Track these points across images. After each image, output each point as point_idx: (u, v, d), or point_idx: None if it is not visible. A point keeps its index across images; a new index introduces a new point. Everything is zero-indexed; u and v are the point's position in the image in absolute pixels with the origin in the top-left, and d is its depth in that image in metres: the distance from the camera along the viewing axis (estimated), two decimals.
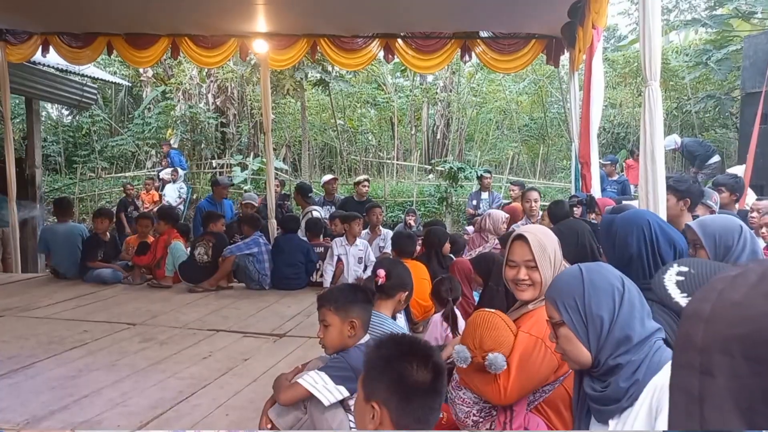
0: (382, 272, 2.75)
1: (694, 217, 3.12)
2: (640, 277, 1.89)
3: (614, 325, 1.35)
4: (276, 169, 11.92)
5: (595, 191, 5.78)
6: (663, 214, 3.01)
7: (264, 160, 10.19)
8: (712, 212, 3.62)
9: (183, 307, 5.10)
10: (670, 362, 1.22)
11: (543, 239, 2.01)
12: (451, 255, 4.94)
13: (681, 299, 1.51)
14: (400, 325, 2.79)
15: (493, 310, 2.09)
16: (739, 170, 7.03)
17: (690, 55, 12.38)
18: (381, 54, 7.56)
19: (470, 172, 11.16)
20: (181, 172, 11.63)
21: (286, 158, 16.74)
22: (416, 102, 17.33)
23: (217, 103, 15.51)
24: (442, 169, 11.96)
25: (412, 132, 17.81)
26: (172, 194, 11.10)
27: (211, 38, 7.37)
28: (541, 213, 5.49)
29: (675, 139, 9.66)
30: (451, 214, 11.46)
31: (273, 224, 7.09)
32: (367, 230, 6.29)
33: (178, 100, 15.20)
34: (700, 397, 0.51)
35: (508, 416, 1.88)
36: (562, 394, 1.88)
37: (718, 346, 0.51)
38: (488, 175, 8.79)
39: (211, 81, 15.44)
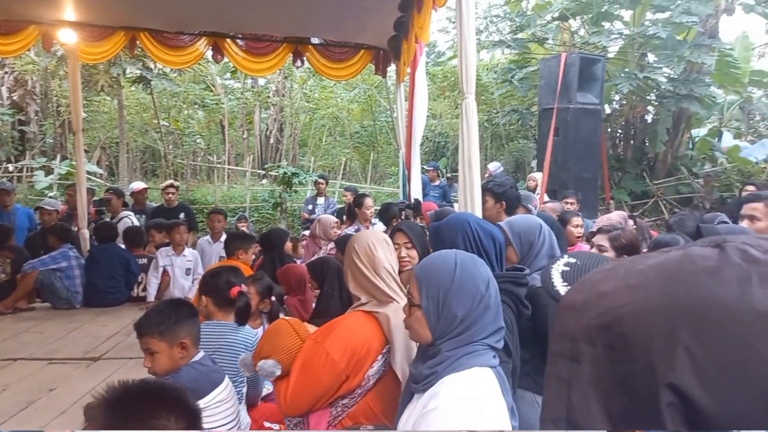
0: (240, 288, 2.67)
1: None
2: None
3: (462, 324, 1.41)
4: (88, 173, 10.74)
5: (417, 196, 6.15)
6: (479, 213, 3.30)
7: (73, 163, 9.12)
8: (531, 214, 4.06)
9: None
10: (467, 369, 1.33)
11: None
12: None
13: (561, 288, 1.59)
14: (249, 331, 2.69)
15: (289, 318, 2.09)
16: (538, 176, 8.03)
17: (498, 72, 13.80)
18: (209, 53, 7.24)
19: (304, 178, 11.18)
20: None
21: (101, 161, 15.17)
22: (248, 105, 16.87)
23: (14, 98, 13.50)
24: (276, 174, 11.82)
25: (244, 136, 17.31)
26: None
27: (6, 23, 6.40)
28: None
29: (499, 167, 10.92)
30: (285, 219, 11.36)
31: (85, 234, 6.36)
32: (208, 237, 6.01)
33: None
34: (568, 383, 0.54)
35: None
36: (366, 409, 1.84)
37: (583, 335, 0.54)
38: (323, 180, 8.89)
39: (6, 73, 13.40)
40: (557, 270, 1.65)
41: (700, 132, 12.42)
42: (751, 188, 6.33)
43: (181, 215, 6.67)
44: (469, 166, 3.41)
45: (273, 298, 3.29)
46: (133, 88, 14.52)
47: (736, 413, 0.45)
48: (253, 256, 6.04)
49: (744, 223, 2.86)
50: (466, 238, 2.05)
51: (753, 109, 15.82)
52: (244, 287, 2.73)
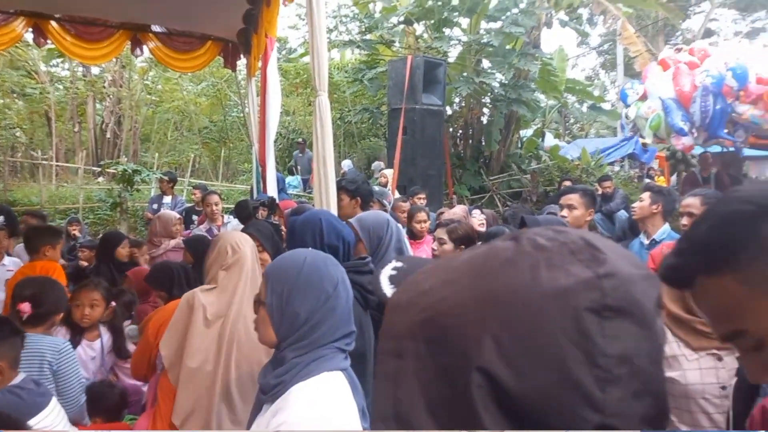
0: (26, 306, 2.39)
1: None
2: None
3: (306, 324, 1.37)
4: None
5: (273, 193, 6.09)
6: (335, 210, 3.38)
7: None
8: (385, 209, 4.25)
9: None
10: (315, 376, 1.32)
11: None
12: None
13: (389, 290, 1.70)
14: (58, 338, 2.51)
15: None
16: (388, 173, 8.39)
17: (349, 72, 14.09)
18: (30, 36, 6.44)
19: (148, 175, 10.43)
20: None
21: None
22: (79, 95, 15.26)
23: None
24: (115, 171, 10.87)
25: (76, 129, 15.64)
26: None
27: None
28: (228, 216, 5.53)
29: (349, 164, 11.16)
30: (126, 220, 10.49)
31: None
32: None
33: None
34: (395, 380, 0.56)
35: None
36: (164, 383, 2.00)
37: (407, 332, 0.56)
38: (167, 178, 8.37)
39: None
40: (385, 275, 1.78)
41: (527, 133, 13.84)
42: (567, 183, 7.25)
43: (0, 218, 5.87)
44: (324, 162, 3.47)
45: (113, 303, 3.07)
46: None
47: (536, 390, 0.50)
48: (85, 263, 5.49)
49: (564, 212, 3.29)
50: (314, 236, 2.15)
51: (568, 113, 18.05)
52: None
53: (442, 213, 5.35)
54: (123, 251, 4.35)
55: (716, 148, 9.26)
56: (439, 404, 0.52)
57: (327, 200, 3.40)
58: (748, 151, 9.66)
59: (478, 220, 4.68)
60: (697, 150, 9.52)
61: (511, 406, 0.50)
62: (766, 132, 8.04)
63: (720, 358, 1.89)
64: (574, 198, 3.28)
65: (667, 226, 3.64)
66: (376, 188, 5.53)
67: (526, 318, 0.51)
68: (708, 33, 24.77)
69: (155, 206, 7.97)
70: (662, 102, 8.14)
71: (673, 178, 11.99)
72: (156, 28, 6.83)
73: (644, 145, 10.34)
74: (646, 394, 0.51)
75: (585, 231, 0.57)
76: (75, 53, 6.74)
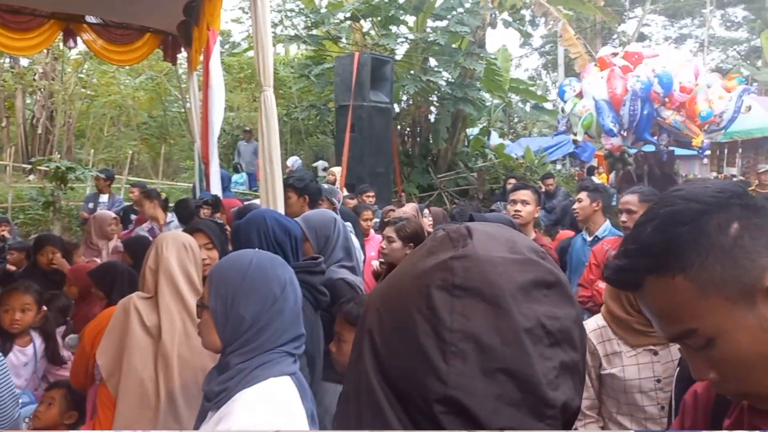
0: None
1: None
2: None
3: (251, 328, 1.32)
4: None
5: (216, 191, 5.92)
6: (282, 208, 3.30)
7: None
8: (335, 208, 4.19)
9: None
10: (262, 382, 1.28)
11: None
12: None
13: None
14: None
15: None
16: (337, 171, 8.33)
17: (295, 67, 13.89)
18: None
19: (83, 173, 9.95)
20: None
21: None
22: (6, 88, 14.38)
23: None
24: (47, 168, 10.30)
25: (3, 124, 14.74)
26: None
27: None
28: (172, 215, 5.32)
29: (297, 161, 11.04)
30: (60, 220, 9.97)
31: None
32: None
33: None
34: (353, 364, 0.62)
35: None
36: (103, 393, 1.92)
37: (359, 324, 0.64)
38: (103, 176, 8.00)
39: None
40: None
41: (473, 131, 14.09)
42: (512, 180, 7.41)
43: None
44: (270, 160, 3.40)
45: (45, 308, 2.91)
46: None
47: (397, 358, 0.55)
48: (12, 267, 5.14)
49: (518, 207, 3.37)
50: (261, 234, 2.09)
51: (512, 112, 18.50)
52: None
53: (391, 210, 5.36)
54: (43, 259, 3.93)
55: (650, 148, 9.71)
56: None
57: (274, 198, 3.34)
58: (679, 150, 10.16)
59: (429, 220, 4.71)
60: (633, 151, 9.99)
61: (389, 379, 0.56)
62: (686, 137, 8.54)
63: (656, 353, 1.97)
64: (527, 194, 3.41)
65: (608, 223, 3.78)
66: (326, 186, 5.48)
67: (396, 295, 0.58)
68: (641, 37, 26.00)
69: (91, 205, 7.61)
70: (595, 102, 8.48)
71: (612, 175, 12.50)
72: (91, 18, 6.50)
73: (575, 141, 10.71)
74: (501, 372, 0.52)
75: (474, 224, 0.62)
76: (2, 44, 6.32)
